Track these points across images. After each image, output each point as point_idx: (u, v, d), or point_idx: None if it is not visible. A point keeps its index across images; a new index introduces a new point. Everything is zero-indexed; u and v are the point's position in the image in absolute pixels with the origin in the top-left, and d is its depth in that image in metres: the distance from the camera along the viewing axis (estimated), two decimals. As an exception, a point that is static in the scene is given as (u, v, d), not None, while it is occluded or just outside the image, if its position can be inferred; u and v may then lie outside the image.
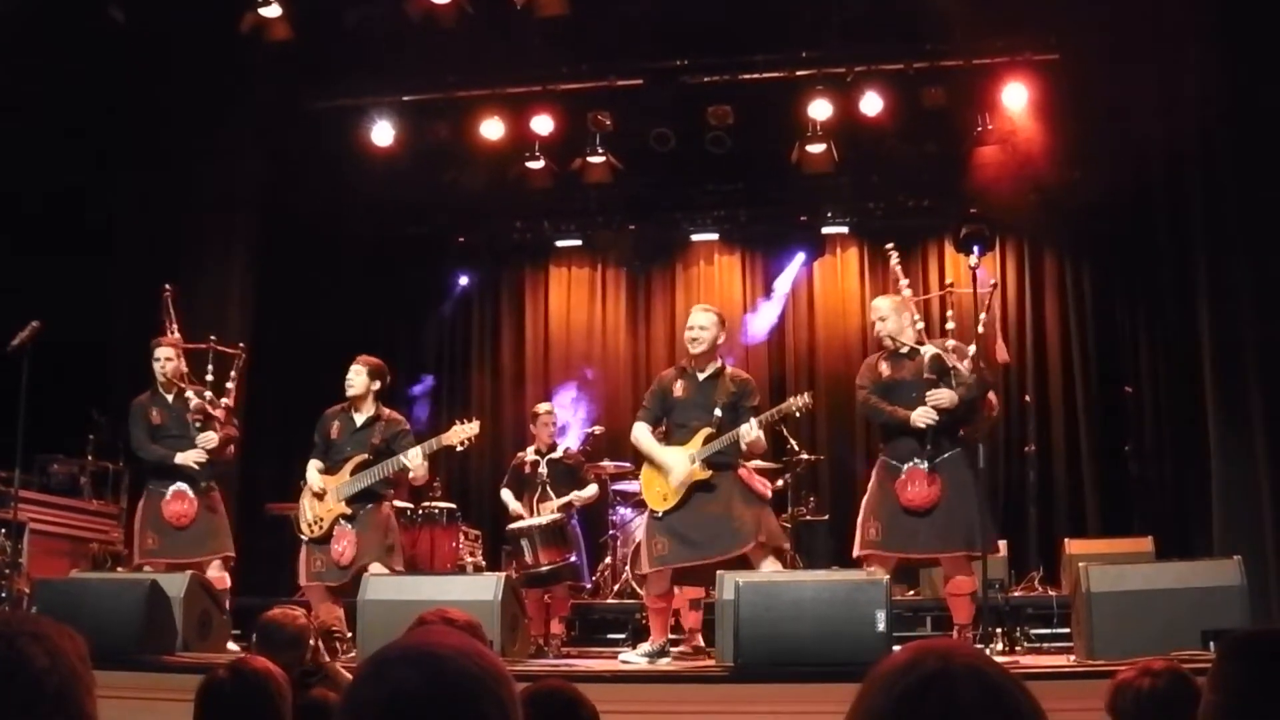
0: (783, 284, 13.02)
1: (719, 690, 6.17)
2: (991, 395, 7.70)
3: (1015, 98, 10.80)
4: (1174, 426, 10.57)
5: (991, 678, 1.50)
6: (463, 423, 8.33)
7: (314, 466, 8.25)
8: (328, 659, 5.07)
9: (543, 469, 9.70)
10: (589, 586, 10.03)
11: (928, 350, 7.21)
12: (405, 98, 11.59)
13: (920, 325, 7.46)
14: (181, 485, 8.19)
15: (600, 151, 11.82)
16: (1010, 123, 11.06)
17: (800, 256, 12.98)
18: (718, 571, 7.05)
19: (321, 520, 8.09)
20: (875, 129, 11.28)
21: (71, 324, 8.53)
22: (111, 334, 10.47)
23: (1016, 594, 9.40)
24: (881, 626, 5.99)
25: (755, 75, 11.35)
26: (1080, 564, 6.67)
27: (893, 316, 7.38)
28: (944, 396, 7.07)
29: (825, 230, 12.94)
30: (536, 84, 11.51)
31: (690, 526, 7.29)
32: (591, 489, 9.77)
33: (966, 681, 1.48)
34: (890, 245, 8.12)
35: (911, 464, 7.10)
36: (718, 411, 7.37)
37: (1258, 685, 2.30)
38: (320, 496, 8.15)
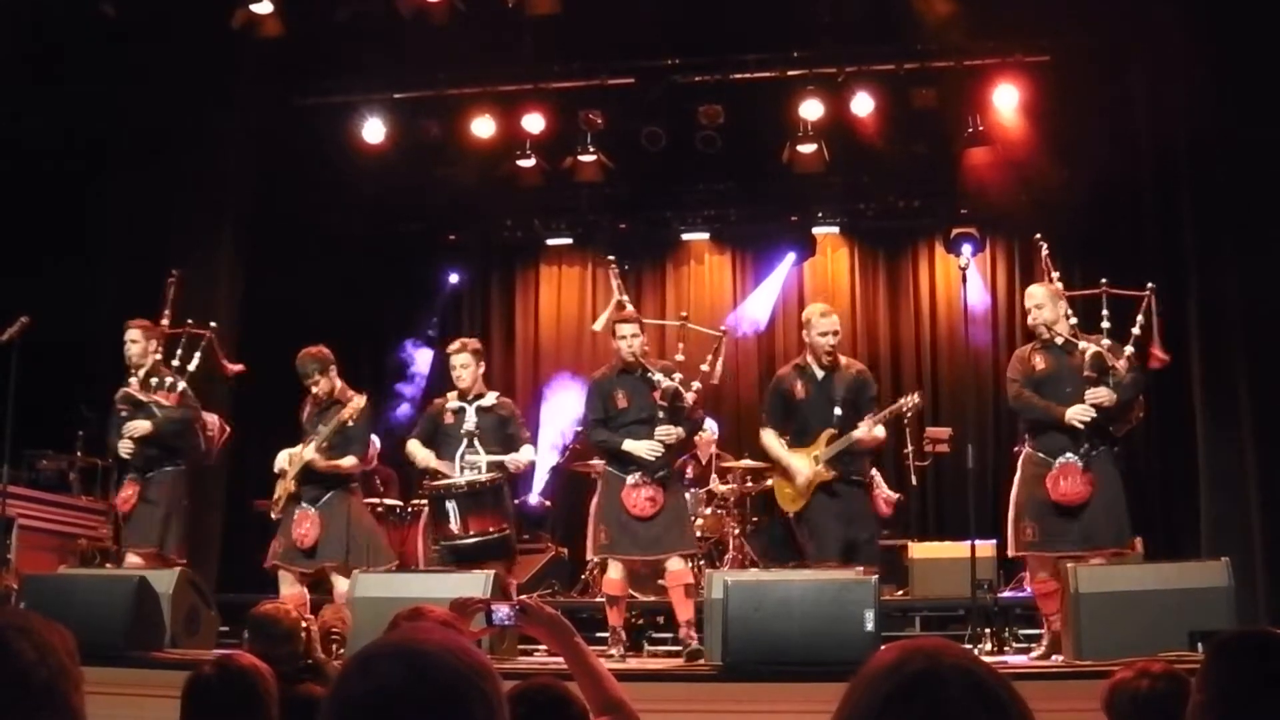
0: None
1: (707, 689, 6.19)
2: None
3: (1006, 99, 10.81)
4: (1163, 428, 10.59)
5: (979, 677, 1.50)
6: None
7: (285, 451, 8.27)
8: (323, 657, 5.05)
9: (470, 418, 8.06)
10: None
11: (1089, 348, 7.14)
12: (396, 95, 11.58)
13: (1074, 320, 7.36)
14: (130, 474, 8.23)
15: (591, 150, 11.81)
16: (1001, 124, 11.07)
17: (790, 257, 12.98)
18: (708, 570, 7.11)
19: (279, 499, 8.11)
20: (866, 129, 11.29)
21: (61, 319, 8.51)
22: (101, 329, 10.44)
23: (1005, 594, 9.40)
24: (870, 626, 6.01)
25: (746, 75, 11.35)
26: (1069, 564, 6.67)
27: (1049, 305, 7.29)
28: (1103, 395, 7.01)
29: (816, 230, 12.94)
30: (528, 82, 11.50)
31: (823, 526, 7.40)
32: (527, 452, 8.24)
33: (954, 681, 1.49)
34: (1038, 236, 8.15)
35: (1064, 459, 7.04)
36: (837, 410, 7.44)
37: (1243, 685, 2.31)
38: (283, 475, 8.15)
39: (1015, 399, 7.36)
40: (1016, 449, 7.46)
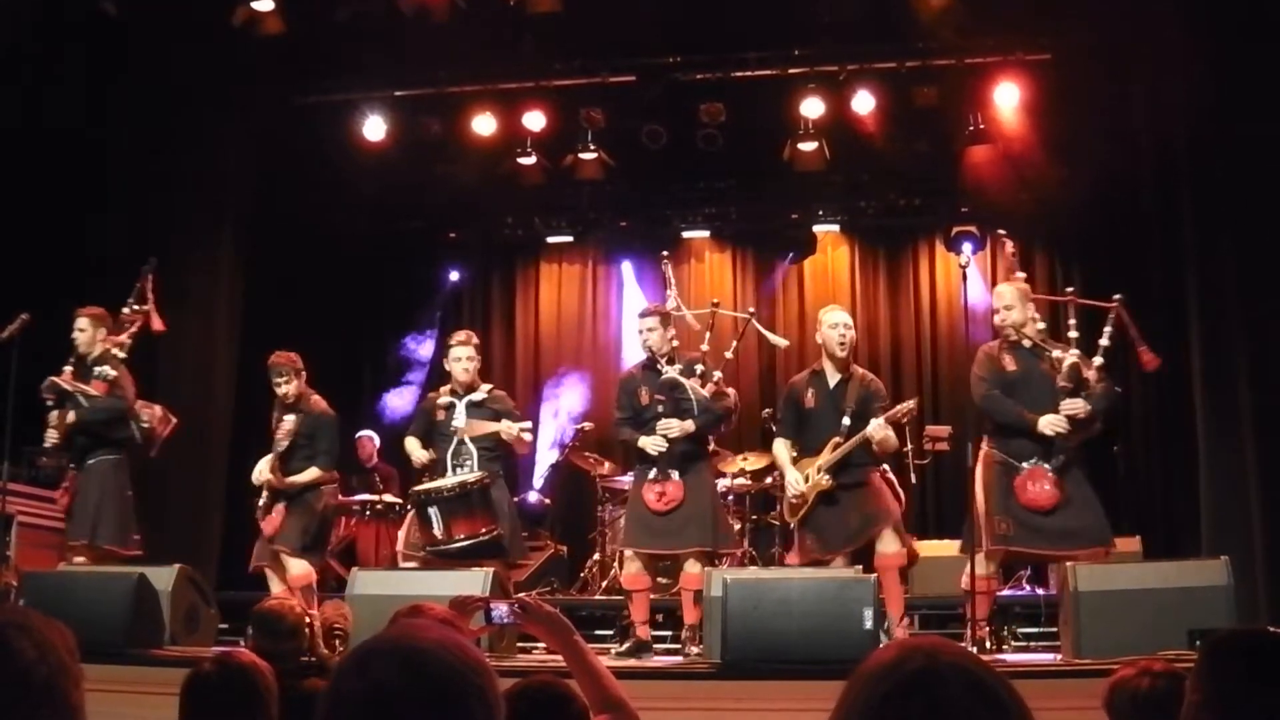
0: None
1: (706, 687, 6.18)
2: None
3: (1006, 97, 10.81)
4: (1162, 427, 10.58)
5: (978, 675, 1.50)
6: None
7: (263, 460, 8.22)
8: (327, 653, 5.06)
9: (460, 414, 7.85)
10: (521, 562, 8.46)
11: (1063, 356, 7.06)
12: (397, 93, 11.58)
13: (1041, 324, 7.34)
14: (71, 467, 8.17)
15: (592, 148, 11.81)
16: (1001, 122, 11.07)
17: (791, 255, 12.99)
18: (707, 569, 7.10)
19: (262, 510, 8.12)
20: (867, 127, 11.29)
21: (61, 317, 8.50)
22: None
23: (1004, 592, 9.39)
24: (868, 624, 6.01)
25: (747, 73, 11.35)
26: (1068, 563, 6.67)
27: (1018, 306, 7.22)
28: (1079, 406, 6.94)
29: (816, 228, 12.94)
30: (529, 80, 11.51)
31: (827, 523, 7.36)
32: (525, 428, 7.95)
33: (953, 679, 1.49)
34: (1001, 231, 8.05)
35: (1033, 463, 6.99)
36: (846, 420, 7.37)
37: (1238, 685, 2.31)
38: (265, 487, 8.12)
39: (984, 399, 7.26)
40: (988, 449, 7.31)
